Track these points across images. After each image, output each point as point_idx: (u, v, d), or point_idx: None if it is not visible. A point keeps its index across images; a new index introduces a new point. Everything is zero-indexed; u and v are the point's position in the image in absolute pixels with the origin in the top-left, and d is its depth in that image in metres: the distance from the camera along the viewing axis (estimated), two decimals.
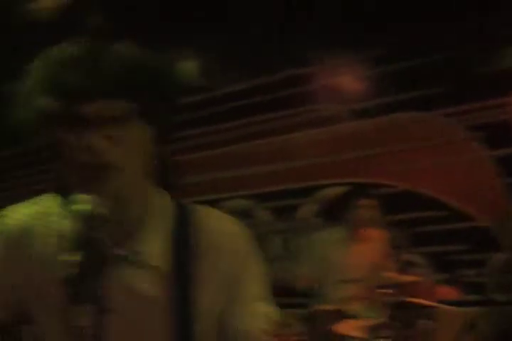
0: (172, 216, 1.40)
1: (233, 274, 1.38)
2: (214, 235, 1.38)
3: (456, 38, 4.59)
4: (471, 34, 4.51)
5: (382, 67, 4.98)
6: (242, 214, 5.67)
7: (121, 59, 1.28)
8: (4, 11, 5.17)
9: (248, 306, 1.40)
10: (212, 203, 5.80)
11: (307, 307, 4.44)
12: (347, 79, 5.22)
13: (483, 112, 4.67)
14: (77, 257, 1.13)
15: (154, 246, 1.36)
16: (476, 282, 4.76)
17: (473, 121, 4.74)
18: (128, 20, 5.00)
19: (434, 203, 4.91)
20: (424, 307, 4.12)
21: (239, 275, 1.39)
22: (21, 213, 1.46)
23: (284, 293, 5.11)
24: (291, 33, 4.98)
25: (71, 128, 1.25)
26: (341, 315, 4.16)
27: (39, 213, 1.44)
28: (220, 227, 1.40)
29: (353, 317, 4.19)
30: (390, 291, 4.22)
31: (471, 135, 4.77)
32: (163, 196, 1.43)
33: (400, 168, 4.99)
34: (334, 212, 4.78)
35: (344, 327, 4.05)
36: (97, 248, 1.17)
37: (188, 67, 5.51)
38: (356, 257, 4.43)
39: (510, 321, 4.54)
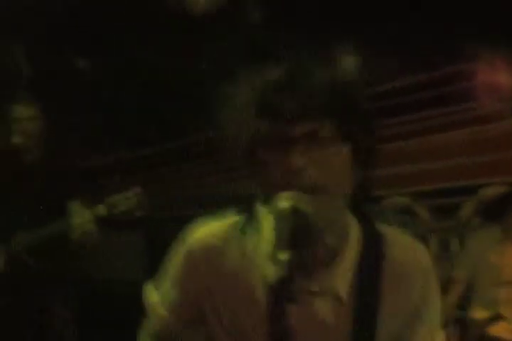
0: (360, 244, 1.38)
1: (414, 306, 1.37)
2: (398, 266, 1.37)
3: None
4: None
5: None
6: (402, 212, 5.66)
7: (325, 81, 1.29)
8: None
9: (425, 337, 1.39)
10: (374, 200, 5.87)
11: (462, 309, 4.39)
12: (508, 76, 5.07)
13: None
14: (287, 256, 1.11)
15: (343, 275, 1.34)
16: None
17: None
18: (287, 16, 5.11)
19: None
20: None
21: (419, 307, 1.38)
22: (206, 230, 1.46)
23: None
24: (450, 28, 4.92)
25: (278, 150, 1.26)
26: (496, 318, 4.09)
27: (225, 229, 1.43)
28: (405, 257, 1.38)
29: (508, 320, 4.10)
30: None
31: None
32: (355, 223, 1.41)
33: None
34: (493, 212, 4.67)
35: (499, 330, 3.99)
36: (303, 246, 1.16)
37: (352, 62, 5.57)
38: None
39: None
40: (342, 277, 1.34)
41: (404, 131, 5.50)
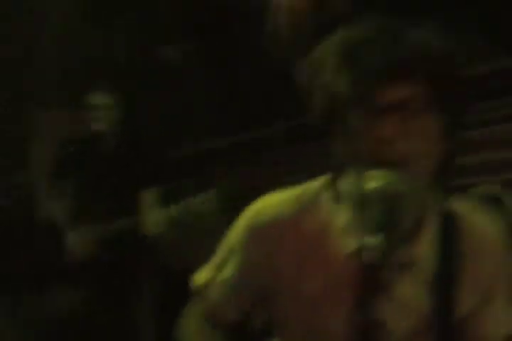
0: (439, 219, 1.37)
1: (489, 281, 1.39)
2: (476, 242, 1.37)
3: None
4: None
5: None
6: (489, 201, 5.48)
7: (417, 40, 1.22)
8: None
9: (499, 316, 1.40)
10: (462, 188, 5.69)
11: None
12: None
13: None
14: (379, 241, 1.08)
15: (424, 251, 1.34)
16: None
17: None
18: None
19: None
20: None
21: (494, 282, 1.40)
22: (272, 202, 1.39)
23: None
24: None
25: (364, 115, 1.18)
26: None
27: (297, 200, 1.37)
28: (482, 234, 1.39)
29: None
30: None
31: None
32: (436, 197, 1.39)
33: None
34: None
35: None
36: (397, 230, 1.13)
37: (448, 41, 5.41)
38: None
39: None
40: (422, 252, 1.32)
41: (497, 116, 5.31)
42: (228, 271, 1.45)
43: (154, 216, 4.30)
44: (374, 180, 1.13)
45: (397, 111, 1.16)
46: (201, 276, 1.51)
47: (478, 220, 1.41)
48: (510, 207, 5.34)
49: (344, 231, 1.18)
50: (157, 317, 4.54)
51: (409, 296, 1.30)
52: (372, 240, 1.07)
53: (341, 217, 1.25)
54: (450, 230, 1.35)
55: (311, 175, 1.37)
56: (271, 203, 1.39)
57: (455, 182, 5.45)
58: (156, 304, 4.66)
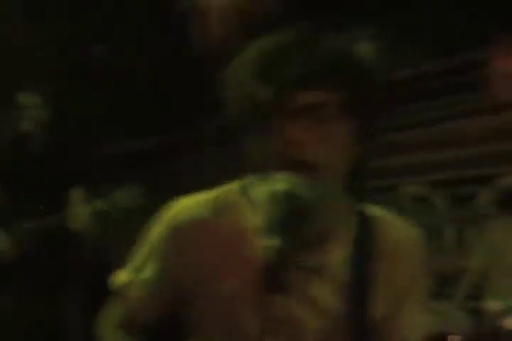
0: (354, 223, 1.35)
1: (405, 285, 1.36)
2: (391, 246, 1.35)
3: None
4: None
5: None
6: (418, 201, 5.61)
7: (329, 50, 1.24)
8: None
9: (413, 318, 1.39)
10: (390, 188, 5.81)
11: (478, 299, 4.35)
12: None
13: None
14: (277, 242, 1.07)
15: (336, 256, 1.32)
16: None
17: None
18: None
19: None
20: None
21: (409, 285, 1.37)
22: (190, 203, 1.39)
23: (453, 284, 5.04)
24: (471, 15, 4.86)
25: (277, 119, 1.20)
26: (510, 310, 4.03)
27: (212, 202, 1.37)
28: (398, 238, 1.37)
29: None
30: None
31: None
32: (349, 200, 1.37)
33: None
34: (510, 202, 4.61)
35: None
36: (296, 230, 1.11)
37: (368, 49, 5.52)
38: None
39: None
40: (335, 255, 1.31)
41: (423, 119, 5.45)
42: (148, 272, 1.44)
43: (81, 212, 4.29)
44: (279, 183, 1.15)
45: (308, 115, 1.19)
46: (121, 277, 1.50)
47: (394, 223, 1.39)
48: (438, 206, 5.49)
49: (256, 233, 1.20)
50: (86, 314, 4.51)
51: (322, 297, 1.30)
52: (271, 241, 1.08)
53: (254, 218, 1.25)
54: (365, 233, 1.35)
55: (232, 175, 1.40)
56: (189, 204, 1.39)
57: (386, 182, 5.61)
58: (83, 301, 4.63)
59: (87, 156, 5.17)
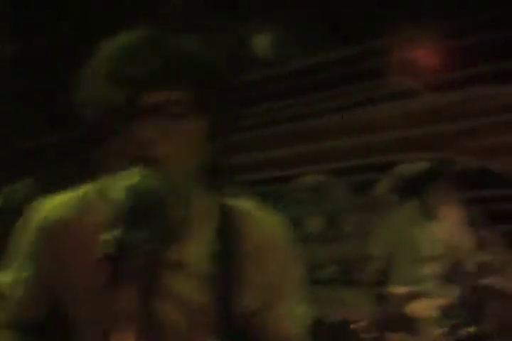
0: (216, 218, 1.37)
1: (274, 279, 1.38)
2: (255, 241, 1.37)
3: None
4: None
5: (461, 39, 4.84)
6: (315, 190, 5.66)
7: (178, 48, 1.27)
8: None
9: (287, 310, 1.41)
10: (289, 178, 5.84)
11: (380, 287, 4.42)
12: (425, 52, 5.11)
13: None
14: (117, 234, 1.09)
15: (197, 250, 1.33)
16: None
17: None
18: None
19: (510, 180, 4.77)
20: (498, 287, 4.05)
21: (279, 280, 1.39)
22: (56, 203, 1.41)
23: (356, 271, 5.12)
24: (367, 5, 4.91)
25: (127, 119, 1.22)
26: (414, 295, 4.12)
27: (75, 201, 1.40)
28: (263, 232, 1.39)
29: (427, 296, 4.14)
30: (466, 270, 4.17)
31: None
32: (209, 196, 1.39)
33: (476, 143, 4.87)
34: (410, 189, 4.71)
35: (417, 308, 4.02)
36: (148, 225, 1.12)
37: (263, 40, 5.50)
38: (431, 235, 4.35)
39: None
40: (196, 250, 1.33)
41: (322, 108, 5.49)
42: (25, 273, 1.45)
43: None
44: (130, 178, 1.17)
45: (159, 114, 1.22)
46: (2, 278, 1.47)
47: (261, 217, 1.42)
48: (337, 195, 5.56)
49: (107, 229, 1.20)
50: None
51: (185, 292, 1.32)
52: (112, 234, 1.08)
53: (108, 216, 1.25)
54: (229, 227, 1.37)
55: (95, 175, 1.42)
56: (56, 204, 1.40)
57: (284, 173, 5.62)
58: None
59: None
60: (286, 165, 5.72)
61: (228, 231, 1.37)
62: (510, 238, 4.82)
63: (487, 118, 4.81)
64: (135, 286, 1.12)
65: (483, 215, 4.82)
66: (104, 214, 1.25)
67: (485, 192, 4.87)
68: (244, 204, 1.43)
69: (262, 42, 5.53)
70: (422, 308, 4.02)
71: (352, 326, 4.41)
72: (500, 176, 4.83)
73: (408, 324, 4.03)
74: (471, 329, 3.96)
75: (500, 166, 4.85)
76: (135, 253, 1.09)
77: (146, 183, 1.16)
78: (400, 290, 4.18)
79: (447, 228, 4.35)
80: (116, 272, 1.09)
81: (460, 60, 4.88)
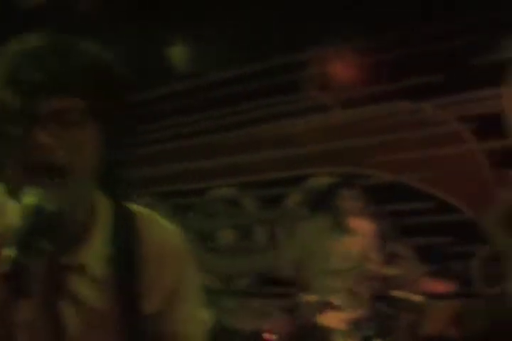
0: (117, 223, 1.39)
1: (173, 283, 1.41)
2: (155, 246, 1.39)
3: (449, 28, 4.53)
4: (466, 24, 4.45)
5: (376, 55, 4.92)
6: (228, 203, 5.62)
7: (78, 56, 1.26)
8: None
9: (186, 314, 1.44)
10: (200, 191, 5.78)
11: (291, 298, 4.41)
12: (341, 67, 5.16)
13: (475, 103, 4.61)
14: (14, 252, 1.09)
15: (99, 254, 1.35)
16: (463, 274, 4.71)
17: (464, 112, 4.68)
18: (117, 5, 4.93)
19: (422, 194, 4.86)
20: (409, 300, 4.10)
21: (178, 285, 1.42)
22: None
23: (268, 283, 5.09)
24: (286, 19, 4.92)
25: (24, 125, 1.21)
26: (325, 307, 4.12)
27: None
28: (161, 238, 1.41)
29: (337, 308, 4.15)
30: (375, 283, 4.20)
31: (461, 126, 4.72)
32: (107, 201, 1.41)
33: (388, 158, 4.94)
34: (320, 202, 4.73)
35: (328, 319, 4.02)
36: (39, 244, 1.12)
37: (178, 52, 5.45)
38: (342, 248, 4.38)
39: (497, 314, 4.51)
40: (93, 253, 1.34)
41: (232, 122, 5.48)
42: None
43: None
44: (29, 197, 1.17)
45: (55, 121, 1.21)
46: None
47: (160, 225, 1.44)
48: (247, 207, 5.54)
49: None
50: None
51: (89, 296, 1.32)
52: (9, 251, 1.09)
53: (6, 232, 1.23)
54: (124, 232, 1.38)
55: None
56: None
57: (195, 186, 5.55)
58: None
59: None
60: (201, 178, 5.67)
61: (128, 236, 1.38)
62: (421, 251, 4.91)
63: (400, 133, 4.89)
64: (39, 295, 1.15)
65: (395, 229, 4.89)
66: (2, 229, 1.25)
67: (397, 206, 4.93)
68: (144, 211, 1.45)
69: (178, 54, 5.48)
70: (332, 320, 4.02)
71: (264, 335, 4.40)
72: (412, 190, 4.90)
73: (320, 335, 4.03)
74: None
75: (412, 180, 4.94)
76: (34, 263, 1.10)
77: (46, 203, 1.16)
78: (311, 298, 4.19)
79: (358, 241, 4.38)
80: (15, 287, 1.09)
81: (378, 75, 4.95)
